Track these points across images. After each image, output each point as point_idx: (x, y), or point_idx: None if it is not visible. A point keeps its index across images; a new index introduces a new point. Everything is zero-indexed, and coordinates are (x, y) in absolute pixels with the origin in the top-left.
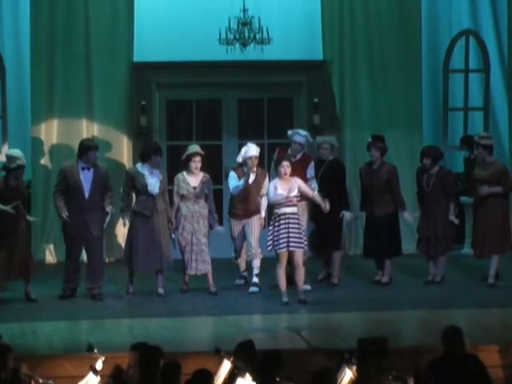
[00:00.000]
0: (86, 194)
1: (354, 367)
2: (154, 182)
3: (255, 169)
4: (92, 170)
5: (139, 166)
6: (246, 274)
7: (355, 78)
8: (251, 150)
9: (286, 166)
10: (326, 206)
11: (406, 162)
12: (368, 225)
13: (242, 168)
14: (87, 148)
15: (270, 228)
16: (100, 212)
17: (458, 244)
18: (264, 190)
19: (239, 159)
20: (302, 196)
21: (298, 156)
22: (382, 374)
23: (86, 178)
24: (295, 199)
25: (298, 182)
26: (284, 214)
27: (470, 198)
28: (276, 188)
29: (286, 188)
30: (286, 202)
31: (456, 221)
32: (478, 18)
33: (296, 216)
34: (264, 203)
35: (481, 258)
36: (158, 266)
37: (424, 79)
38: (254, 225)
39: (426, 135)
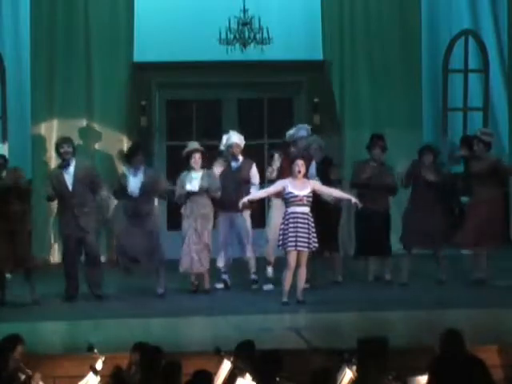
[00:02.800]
0: (70, 188)
1: (354, 367)
2: (133, 184)
3: (239, 157)
4: (71, 166)
5: (125, 168)
6: (225, 276)
7: (355, 78)
8: (233, 137)
9: (300, 165)
10: (354, 200)
11: (406, 162)
12: (363, 221)
13: (226, 160)
14: (56, 145)
15: (281, 227)
16: (90, 209)
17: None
18: (254, 180)
19: (222, 147)
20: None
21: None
22: (382, 374)
23: (68, 174)
24: (305, 199)
25: (312, 184)
26: (293, 213)
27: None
28: (285, 188)
29: (298, 187)
30: (296, 201)
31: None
32: (478, 18)
33: (306, 216)
34: (253, 192)
35: (470, 249)
36: (147, 264)
37: (424, 79)
38: (244, 223)
39: (426, 135)
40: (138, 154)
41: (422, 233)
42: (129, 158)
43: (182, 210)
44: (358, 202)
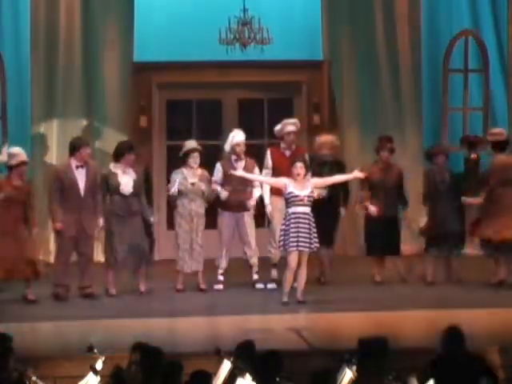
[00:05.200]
0: (82, 193)
1: (354, 367)
2: (126, 182)
3: (243, 156)
4: (85, 167)
5: (112, 165)
6: (222, 278)
7: (355, 78)
8: (239, 135)
9: (299, 167)
10: (356, 174)
11: (406, 162)
12: (375, 223)
13: (229, 161)
14: (79, 146)
15: (282, 227)
16: (93, 210)
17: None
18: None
19: (227, 147)
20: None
21: (293, 148)
22: (382, 374)
23: (80, 177)
24: (306, 199)
25: (312, 183)
26: (295, 213)
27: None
28: (286, 187)
29: (299, 187)
30: (297, 201)
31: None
32: (478, 18)
33: (307, 216)
34: (256, 193)
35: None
36: (135, 266)
37: (424, 79)
38: (249, 223)
39: (426, 135)
40: (132, 153)
41: (446, 236)
42: (122, 155)
43: (180, 209)
44: (359, 173)
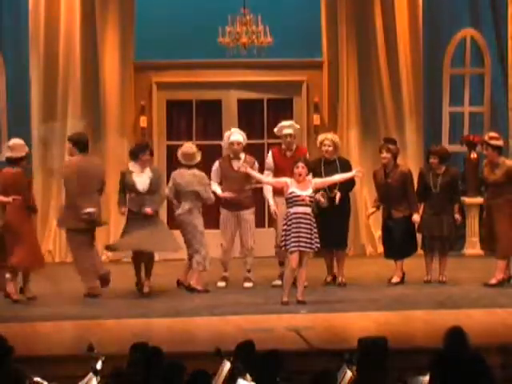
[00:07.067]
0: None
1: (354, 367)
2: (142, 180)
3: (242, 155)
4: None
5: (131, 164)
6: (227, 274)
7: (355, 78)
8: (234, 134)
9: (300, 167)
10: (358, 173)
11: (406, 162)
12: (384, 226)
13: (227, 160)
14: (79, 140)
15: (284, 228)
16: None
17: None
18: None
19: (224, 145)
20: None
21: (293, 149)
22: (382, 374)
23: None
24: (308, 199)
25: (314, 184)
26: (296, 213)
27: (471, 198)
28: (288, 186)
29: (300, 187)
30: (299, 201)
31: (460, 219)
32: (478, 18)
33: (308, 216)
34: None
35: (506, 258)
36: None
37: (424, 79)
38: (249, 222)
39: (426, 135)
40: (147, 153)
41: (440, 237)
42: (136, 156)
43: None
44: (358, 171)
